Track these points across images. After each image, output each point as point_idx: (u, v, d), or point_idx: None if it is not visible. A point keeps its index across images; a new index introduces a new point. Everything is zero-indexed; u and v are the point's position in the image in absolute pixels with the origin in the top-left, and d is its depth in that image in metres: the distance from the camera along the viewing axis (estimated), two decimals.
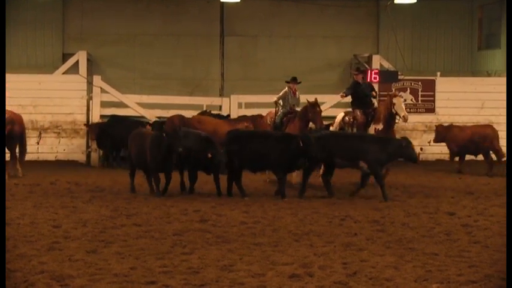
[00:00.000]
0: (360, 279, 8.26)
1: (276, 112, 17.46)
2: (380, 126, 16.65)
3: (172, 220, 11.99)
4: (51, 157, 22.16)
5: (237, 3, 24.22)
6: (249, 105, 22.48)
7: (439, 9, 25.28)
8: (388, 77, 21.44)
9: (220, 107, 22.86)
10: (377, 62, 23.24)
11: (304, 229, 11.28)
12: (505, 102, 22.62)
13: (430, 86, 22.85)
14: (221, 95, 24.39)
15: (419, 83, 22.92)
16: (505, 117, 22.55)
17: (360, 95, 16.92)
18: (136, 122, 20.50)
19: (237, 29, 25.15)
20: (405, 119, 16.55)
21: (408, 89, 22.61)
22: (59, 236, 10.50)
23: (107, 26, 24.77)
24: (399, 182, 16.70)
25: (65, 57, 23.89)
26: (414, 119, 21.93)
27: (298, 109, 17.16)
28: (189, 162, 15.00)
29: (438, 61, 25.16)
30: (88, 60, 22.96)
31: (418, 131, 22.80)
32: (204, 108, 22.48)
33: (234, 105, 22.47)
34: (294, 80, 17.34)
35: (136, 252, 9.44)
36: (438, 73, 23.20)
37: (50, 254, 9.31)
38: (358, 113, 16.86)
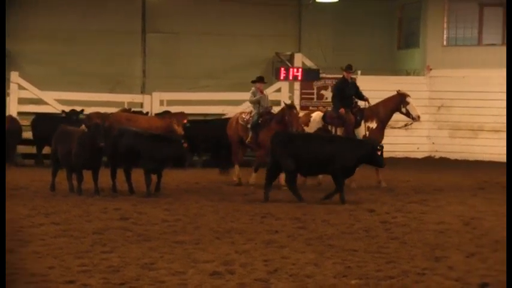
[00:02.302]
0: (280, 276, 8.30)
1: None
2: (374, 125, 16.62)
3: (92, 218, 11.84)
4: None
5: None
6: (170, 103, 22.36)
7: (360, 9, 25.57)
8: (309, 75, 21.62)
9: (141, 104, 22.66)
10: (299, 60, 23.39)
11: (226, 227, 11.28)
12: (424, 101, 23.16)
13: None
14: (143, 92, 24.19)
15: None
16: (426, 115, 23.08)
17: (346, 93, 16.66)
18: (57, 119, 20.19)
19: (159, 26, 24.97)
20: (419, 119, 16.62)
21: (329, 87, 22.76)
22: None
23: (26, 22, 24.22)
24: (321, 180, 16.80)
25: None
26: None
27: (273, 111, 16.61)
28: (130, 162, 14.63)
29: (359, 60, 25.29)
30: (6, 56, 22.47)
31: None
32: (125, 106, 22.25)
33: (156, 103, 22.33)
34: (261, 79, 16.75)
35: (54, 252, 9.29)
36: (359, 71, 23.44)
37: None
38: (344, 111, 16.46)
